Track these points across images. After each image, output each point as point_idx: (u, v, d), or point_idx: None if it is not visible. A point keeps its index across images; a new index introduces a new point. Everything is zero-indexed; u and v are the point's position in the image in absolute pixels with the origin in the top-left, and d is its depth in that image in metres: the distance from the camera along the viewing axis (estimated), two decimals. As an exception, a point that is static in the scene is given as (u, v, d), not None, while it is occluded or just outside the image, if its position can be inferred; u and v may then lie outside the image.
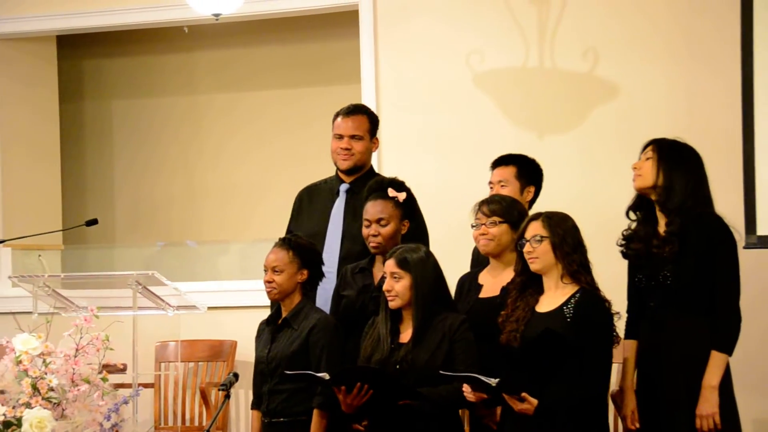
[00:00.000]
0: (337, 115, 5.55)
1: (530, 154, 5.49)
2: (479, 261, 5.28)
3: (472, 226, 4.98)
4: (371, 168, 5.60)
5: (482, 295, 4.94)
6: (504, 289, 4.78)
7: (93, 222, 6.81)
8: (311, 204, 5.58)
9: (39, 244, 7.66)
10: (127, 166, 8.92)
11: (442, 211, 6.43)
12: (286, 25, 8.04)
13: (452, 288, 5.00)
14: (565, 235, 4.56)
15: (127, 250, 8.72)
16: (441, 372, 4.59)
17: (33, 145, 8.15)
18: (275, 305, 5.24)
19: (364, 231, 5.14)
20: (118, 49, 8.82)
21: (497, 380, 4.42)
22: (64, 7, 7.64)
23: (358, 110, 5.55)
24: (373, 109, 6.83)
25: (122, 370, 6.07)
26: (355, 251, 5.32)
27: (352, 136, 5.48)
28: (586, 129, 6.71)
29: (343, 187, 5.52)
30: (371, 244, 5.13)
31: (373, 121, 5.57)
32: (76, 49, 8.68)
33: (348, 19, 7.31)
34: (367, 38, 7.08)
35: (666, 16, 6.59)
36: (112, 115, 8.98)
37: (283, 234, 5.38)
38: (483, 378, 4.44)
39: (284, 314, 5.16)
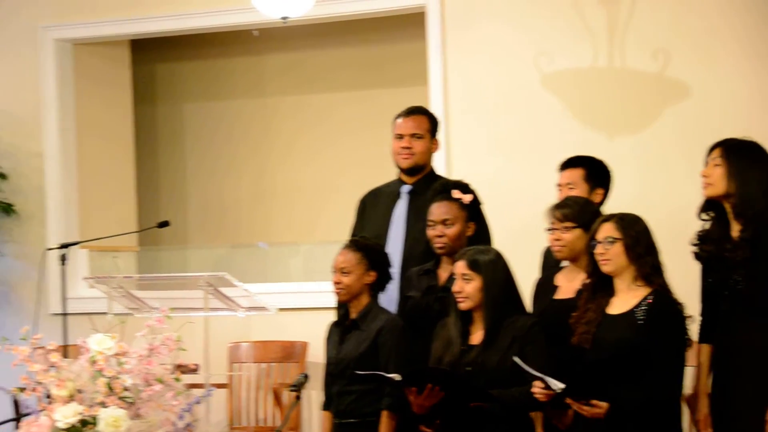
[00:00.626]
0: (397, 116, 5.58)
1: (599, 156, 5.46)
2: (549, 263, 5.27)
3: (547, 230, 4.96)
4: (432, 170, 5.61)
5: (557, 296, 4.93)
6: (580, 292, 4.76)
7: (164, 224, 6.89)
8: (374, 207, 5.61)
9: (114, 245, 7.76)
10: (199, 168, 9.01)
11: (510, 213, 6.42)
12: (354, 27, 8.07)
13: (522, 289, 4.99)
14: (638, 236, 4.53)
15: (199, 252, 8.80)
16: (514, 358, 4.58)
17: (108, 149, 8.26)
18: (343, 307, 5.27)
19: (429, 232, 5.16)
20: (190, 52, 8.91)
21: (563, 386, 4.41)
22: (137, 12, 7.74)
23: (417, 111, 5.59)
24: (440, 111, 6.85)
25: (194, 370, 6.14)
26: (418, 252, 5.34)
27: (413, 135, 5.51)
28: (656, 130, 6.66)
29: (405, 189, 5.54)
30: (436, 245, 5.14)
31: (432, 121, 5.59)
32: (149, 53, 8.79)
33: (415, 21, 7.32)
34: (435, 40, 7.09)
35: (738, 14, 6.51)
36: (184, 118, 9.08)
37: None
38: (550, 381, 4.43)
39: (352, 316, 5.18)
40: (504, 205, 6.12)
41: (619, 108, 6.74)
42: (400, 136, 5.54)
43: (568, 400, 4.43)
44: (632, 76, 6.70)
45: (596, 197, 5.32)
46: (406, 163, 5.52)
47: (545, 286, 5.03)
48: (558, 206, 4.96)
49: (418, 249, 5.35)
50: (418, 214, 5.40)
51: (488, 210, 5.33)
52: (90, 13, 7.83)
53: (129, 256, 8.10)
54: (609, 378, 4.41)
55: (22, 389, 4.66)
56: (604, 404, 4.38)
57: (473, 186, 5.24)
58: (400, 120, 5.56)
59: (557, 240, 4.89)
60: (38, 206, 7.84)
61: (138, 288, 6.27)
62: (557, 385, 4.41)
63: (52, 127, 7.86)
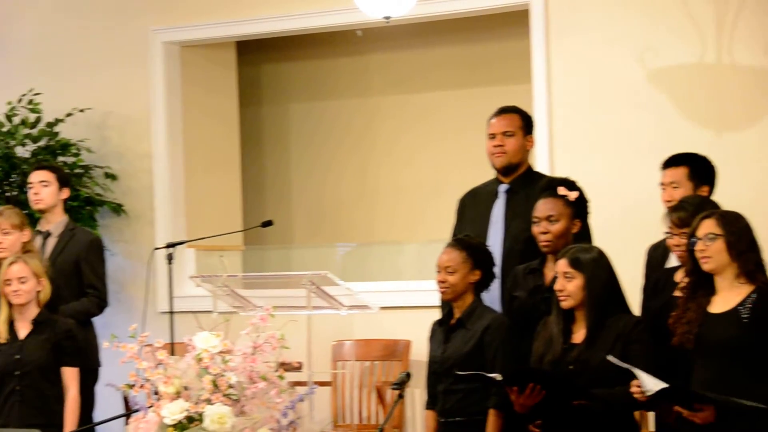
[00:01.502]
0: (491, 117, 5.61)
1: (708, 153, 5.37)
2: (654, 262, 5.21)
3: (665, 234, 4.90)
4: (530, 167, 5.60)
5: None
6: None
7: (268, 223, 6.96)
8: (472, 207, 5.62)
9: (221, 245, 7.86)
10: (304, 168, 9.07)
11: (615, 211, 6.35)
12: (457, 25, 8.05)
13: (625, 288, 4.94)
14: (739, 233, 4.45)
15: (303, 251, 8.87)
16: (608, 357, 4.54)
17: (214, 149, 8.36)
18: (447, 305, 5.27)
19: (534, 229, 5.13)
20: (295, 53, 8.98)
21: (656, 389, 4.35)
22: (242, 14, 7.83)
23: (509, 110, 5.61)
24: (543, 108, 6.81)
25: (298, 368, 6.19)
26: (516, 251, 5.33)
27: (504, 133, 5.53)
28: (765, 127, 6.52)
29: (503, 188, 5.54)
30: (541, 242, 5.12)
31: (525, 119, 5.59)
32: (255, 55, 8.88)
33: (518, 19, 7.28)
34: (538, 38, 7.04)
35: None
36: (289, 118, 9.15)
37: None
38: (644, 380, 4.38)
39: (457, 314, 5.18)
40: (609, 203, 6.05)
41: (729, 104, 6.62)
42: (492, 136, 5.57)
43: (677, 408, 4.37)
44: (742, 70, 6.57)
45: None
46: (499, 162, 5.53)
47: (664, 282, 4.96)
48: (674, 209, 4.88)
49: (517, 247, 5.35)
50: (515, 212, 5.40)
51: (591, 208, 5.28)
52: (197, 16, 7.94)
53: (234, 255, 8.19)
54: (715, 379, 4.34)
55: (131, 386, 4.75)
56: (710, 407, 4.31)
57: (579, 183, 5.20)
58: (492, 119, 5.60)
59: (677, 245, 4.81)
60: (147, 206, 7.97)
61: (242, 287, 6.34)
62: (651, 386, 4.35)
63: (160, 129, 7.98)
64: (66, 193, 6.61)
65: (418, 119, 8.71)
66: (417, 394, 7.09)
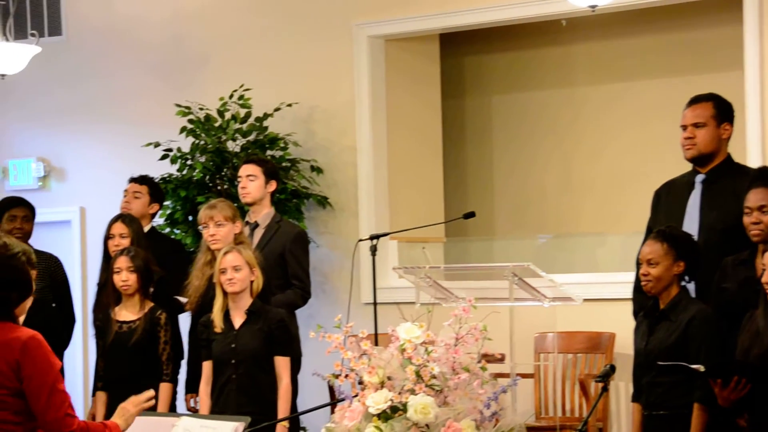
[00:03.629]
0: (684, 108, 5.47)
1: None
2: None
3: None
4: (728, 157, 5.45)
5: None
6: None
7: (470, 215, 6.97)
8: (668, 199, 5.52)
9: (423, 236, 7.91)
10: (506, 159, 9.05)
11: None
12: (663, 13, 7.89)
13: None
14: None
15: (506, 243, 8.85)
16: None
17: (418, 141, 8.43)
18: (652, 297, 5.19)
19: (745, 219, 5.00)
20: (498, 44, 8.97)
21: None
22: (447, 7, 7.86)
23: (701, 98, 5.47)
24: (756, 96, 6.60)
25: (500, 360, 6.18)
26: (713, 242, 5.21)
27: (694, 125, 5.41)
28: None
29: (699, 179, 5.42)
30: (752, 233, 4.98)
31: (720, 106, 5.42)
32: (458, 47, 8.91)
33: (730, 5, 7.09)
34: (752, 24, 6.84)
35: None
36: (492, 109, 9.14)
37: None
38: None
39: (661, 306, 5.10)
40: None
41: None
42: (683, 127, 5.46)
43: None
44: None
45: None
46: (688, 154, 5.42)
47: None
48: None
49: (713, 239, 5.23)
50: (712, 202, 5.28)
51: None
52: (401, 10, 8.02)
53: (436, 247, 8.23)
54: None
55: (336, 376, 4.83)
56: None
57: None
58: (684, 110, 5.49)
59: None
60: (351, 199, 8.10)
61: (445, 278, 6.37)
62: None
63: (364, 122, 8.09)
64: (273, 185, 6.76)
65: (625, 109, 8.58)
66: (621, 387, 7.00)
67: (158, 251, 6.49)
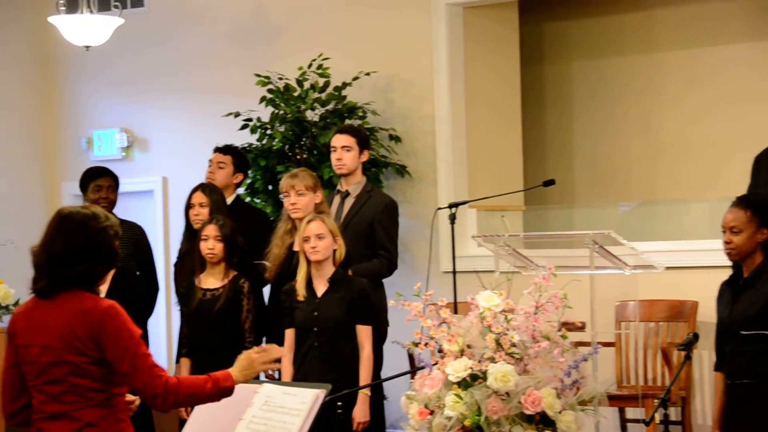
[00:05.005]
0: None
1: None
2: None
3: None
4: None
5: None
6: None
7: (550, 182, 6.93)
8: (768, 164, 5.43)
9: (502, 205, 7.89)
10: (586, 127, 8.99)
11: None
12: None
13: None
14: None
15: (586, 211, 8.80)
16: None
17: (496, 109, 8.39)
18: (736, 265, 5.13)
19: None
20: (578, 10, 8.89)
21: None
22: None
23: None
24: None
25: (581, 328, 6.15)
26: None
27: None
28: None
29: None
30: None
31: None
32: (537, 13, 8.84)
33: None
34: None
35: None
36: (572, 76, 9.08)
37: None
38: None
39: (745, 274, 5.04)
40: None
41: None
42: None
43: None
44: None
45: None
46: None
47: None
48: None
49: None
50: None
51: None
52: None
53: (515, 215, 8.21)
54: None
55: (416, 344, 4.85)
56: None
57: None
58: None
59: None
60: (430, 167, 8.09)
61: (524, 246, 6.35)
62: None
63: (443, 90, 8.07)
64: (366, 155, 6.76)
65: (706, 74, 8.46)
66: (704, 355, 6.93)
67: (242, 221, 6.54)
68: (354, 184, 6.72)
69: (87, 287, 3.86)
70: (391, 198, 7.03)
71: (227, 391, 3.91)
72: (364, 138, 6.80)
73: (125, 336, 3.81)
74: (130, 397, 4.01)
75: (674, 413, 6.74)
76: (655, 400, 5.00)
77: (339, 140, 6.70)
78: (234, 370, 3.96)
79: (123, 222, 6.53)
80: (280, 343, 5.91)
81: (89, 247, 3.86)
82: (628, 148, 8.77)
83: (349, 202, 6.68)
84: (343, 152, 6.66)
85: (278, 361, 4.13)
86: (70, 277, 3.84)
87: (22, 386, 3.92)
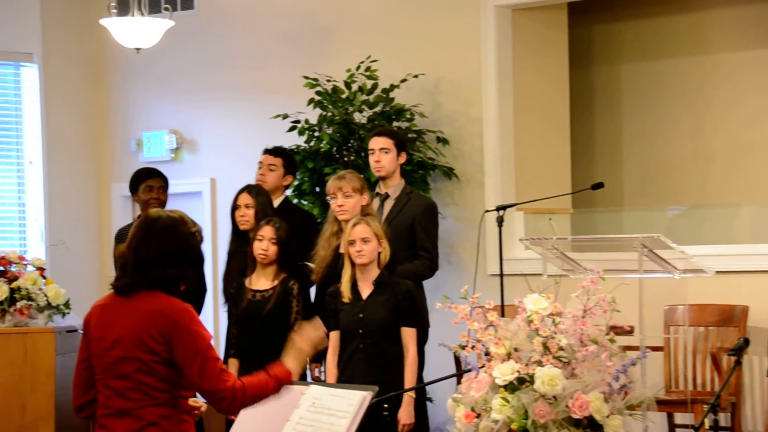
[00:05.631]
0: None
1: None
2: None
3: None
4: None
5: None
6: None
7: (599, 185, 6.89)
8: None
9: (549, 208, 7.85)
10: (635, 130, 8.93)
11: None
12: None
13: None
14: None
15: (634, 213, 8.74)
16: None
17: (544, 111, 8.36)
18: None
19: None
20: (628, 12, 8.85)
21: None
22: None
23: None
24: None
25: (629, 332, 6.11)
26: None
27: None
28: None
29: None
30: None
31: None
32: (587, 16, 8.80)
33: None
34: None
35: None
36: (621, 78, 9.03)
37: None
38: None
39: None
40: None
41: None
42: None
43: None
44: None
45: None
46: None
47: None
48: None
49: None
50: None
51: None
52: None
53: (563, 218, 8.17)
54: None
55: (463, 347, 4.84)
56: None
57: None
58: None
59: None
60: (477, 170, 8.07)
61: (572, 249, 6.32)
62: None
63: (491, 92, 8.05)
64: (403, 157, 6.76)
65: (760, 77, 8.38)
66: (755, 361, 6.86)
67: (290, 222, 6.56)
68: (393, 186, 6.72)
69: (171, 290, 3.90)
70: (431, 199, 7.03)
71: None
72: (402, 140, 6.80)
73: (197, 339, 3.85)
74: (196, 401, 4.04)
75: (724, 419, 6.68)
76: (705, 406, 4.96)
77: (377, 142, 6.71)
78: (289, 363, 4.00)
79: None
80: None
81: (180, 252, 3.91)
82: (679, 151, 8.71)
83: (389, 204, 6.68)
84: (381, 154, 6.66)
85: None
86: (160, 279, 3.88)
87: (92, 380, 3.98)
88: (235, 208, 6.64)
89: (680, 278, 6.20)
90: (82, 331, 4.06)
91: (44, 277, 6.58)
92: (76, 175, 9.47)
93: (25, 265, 6.60)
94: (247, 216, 6.51)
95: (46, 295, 6.50)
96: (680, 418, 7.05)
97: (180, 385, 3.88)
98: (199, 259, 3.97)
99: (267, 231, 6.18)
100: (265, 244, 6.16)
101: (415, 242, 6.58)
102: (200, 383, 3.86)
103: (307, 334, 4.09)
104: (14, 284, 6.46)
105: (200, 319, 3.90)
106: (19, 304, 6.42)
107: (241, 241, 6.52)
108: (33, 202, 9.31)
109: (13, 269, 6.54)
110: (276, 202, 6.95)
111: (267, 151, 7.24)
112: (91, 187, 9.54)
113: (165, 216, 3.96)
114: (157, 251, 3.89)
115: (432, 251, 6.62)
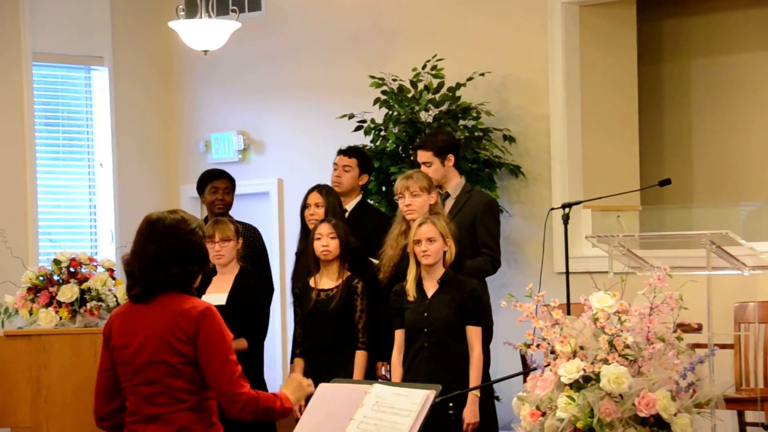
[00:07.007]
0: None
1: None
2: None
3: None
4: None
5: None
6: None
7: (666, 182, 6.82)
8: None
9: (617, 205, 7.79)
10: (705, 125, 8.84)
11: None
12: None
13: None
14: None
15: (706, 210, 8.65)
16: None
17: (612, 108, 8.30)
18: None
19: None
20: (697, 6, 8.76)
21: None
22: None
23: None
24: None
25: (697, 329, 6.05)
26: None
27: None
28: None
29: None
30: None
31: None
32: (656, 10, 8.73)
33: None
34: None
35: None
36: (690, 74, 8.94)
37: None
38: None
39: None
40: None
41: None
42: None
43: None
44: None
45: None
46: None
47: None
48: None
49: None
50: None
51: None
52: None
53: (631, 215, 8.09)
54: None
55: (528, 345, 4.82)
56: None
57: None
58: None
59: None
60: (544, 167, 8.03)
61: (639, 247, 6.26)
62: None
63: (558, 90, 8.01)
64: (451, 160, 6.64)
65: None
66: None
67: (367, 223, 6.55)
68: (453, 185, 6.69)
69: (183, 288, 3.93)
70: (491, 196, 6.99)
71: (288, 412, 4.00)
72: (442, 147, 6.63)
73: (219, 339, 3.87)
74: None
75: (796, 417, 6.59)
76: (776, 404, 4.89)
77: (420, 157, 6.62)
78: (288, 392, 4.05)
79: (239, 224, 6.63)
80: (390, 343, 5.93)
81: (182, 250, 3.94)
82: (750, 146, 8.60)
83: (449, 203, 6.65)
84: (425, 168, 6.59)
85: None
86: (165, 279, 3.92)
87: (115, 390, 4.00)
88: (304, 207, 6.66)
89: (750, 275, 6.12)
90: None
91: (114, 278, 6.65)
92: (146, 177, 9.58)
93: (95, 266, 6.68)
94: (316, 215, 6.53)
95: (115, 296, 6.58)
96: (751, 416, 6.96)
97: (207, 386, 3.90)
98: (202, 255, 3.99)
99: (324, 228, 6.22)
100: (324, 241, 6.19)
101: (476, 240, 6.56)
102: (218, 384, 3.87)
103: (293, 387, 4.13)
104: (84, 285, 6.54)
105: (221, 319, 3.92)
106: (89, 305, 6.51)
107: (308, 240, 6.54)
108: (103, 204, 9.45)
109: (83, 270, 6.63)
110: (352, 203, 6.90)
111: (341, 152, 7.02)
112: (160, 189, 9.64)
113: (164, 217, 4.00)
114: (158, 252, 3.93)
115: (494, 248, 6.59)
